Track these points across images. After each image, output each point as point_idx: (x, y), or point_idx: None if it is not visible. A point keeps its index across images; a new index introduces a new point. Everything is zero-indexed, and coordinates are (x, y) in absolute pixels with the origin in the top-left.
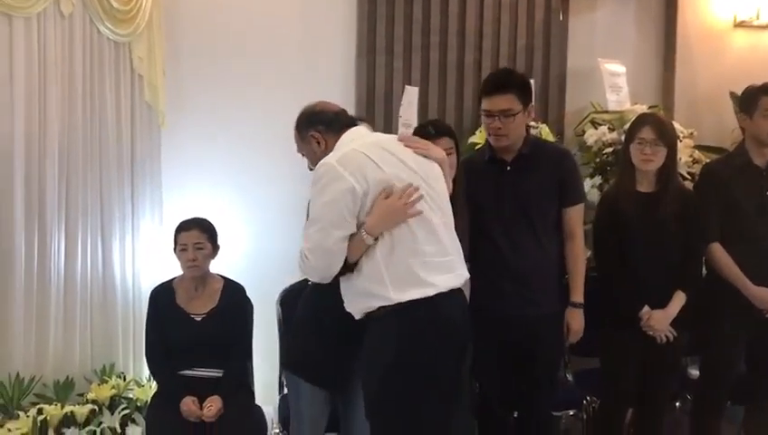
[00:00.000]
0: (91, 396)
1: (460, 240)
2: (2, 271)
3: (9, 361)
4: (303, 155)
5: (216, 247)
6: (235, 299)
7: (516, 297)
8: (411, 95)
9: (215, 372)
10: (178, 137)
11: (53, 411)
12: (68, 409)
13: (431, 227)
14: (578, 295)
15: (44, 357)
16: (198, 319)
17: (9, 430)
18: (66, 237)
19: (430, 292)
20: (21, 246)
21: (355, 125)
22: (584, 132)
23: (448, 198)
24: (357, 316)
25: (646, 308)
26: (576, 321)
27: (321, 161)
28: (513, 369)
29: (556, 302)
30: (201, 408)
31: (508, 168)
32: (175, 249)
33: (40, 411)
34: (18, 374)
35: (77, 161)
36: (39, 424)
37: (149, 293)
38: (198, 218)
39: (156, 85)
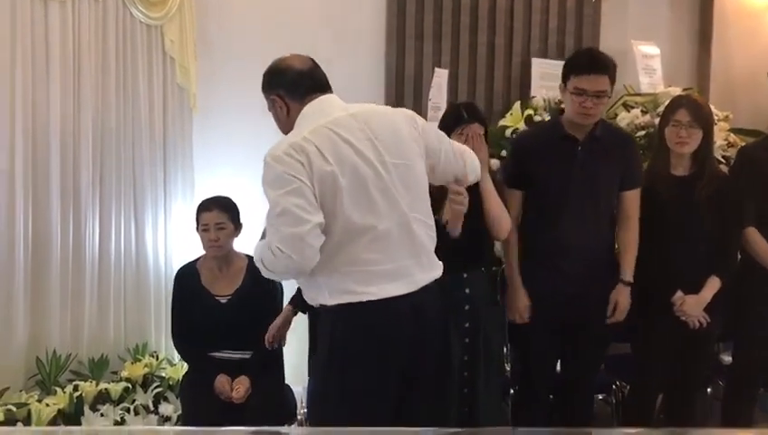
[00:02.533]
0: (124, 374)
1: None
2: (39, 253)
3: (46, 339)
4: (274, 118)
5: (238, 226)
6: (261, 278)
7: (574, 276)
8: (441, 78)
9: (243, 354)
10: (210, 118)
11: (89, 388)
12: (102, 386)
13: (377, 233)
14: (629, 274)
15: (80, 335)
16: (223, 301)
17: (47, 404)
18: (100, 219)
19: (364, 298)
20: (57, 228)
21: (323, 90)
22: (616, 115)
23: (422, 171)
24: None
25: (679, 293)
26: (624, 298)
27: (269, 152)
28: (561, 351)
29: (609, 282)
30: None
31: (579, 147)
32: (197, 229)
33: (76, 388)
34: (55, 352)
35: (110, 143)
36: (75, 400)
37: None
38: (219, 197)
39: (187, 67)
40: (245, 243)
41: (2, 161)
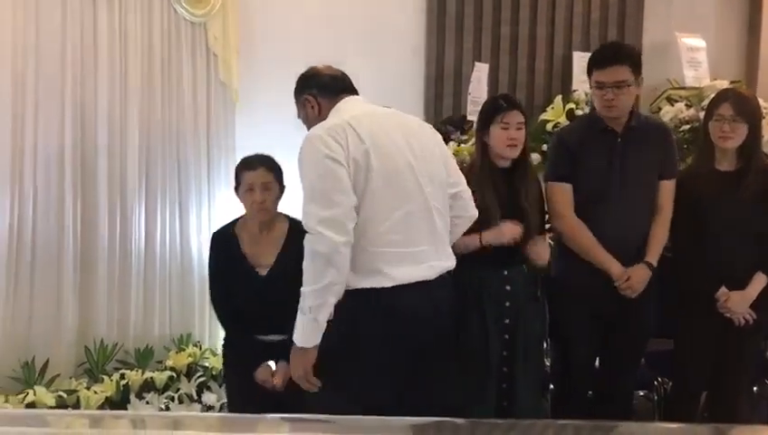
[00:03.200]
0: (169, 363)
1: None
2: (87, 245)
3: (94, 328)
4: (303, 121)
5: (282, 188)
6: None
7: None
8: (481, 72)
9: (285, 336)
10: (251, 113)
11: (135, 377)
12: (148, 375)
13: (402, 214)
14: (652, 258)
15: (126, 326)
16: (263, 273)
17: (95, 392)
18: (146, 212)
19: (387, 283)
20: (104, 222)
21: (353, 92)
22: (660, 109)
23: (444, 171)
24: None
25: (723, 289)
26: (639, 277)
27: (308, 133)
28: (600, 345)
29: (651, 276)
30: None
31: (618, 139)
32: (238, 190)
33: (122, 376)
34: (102, 341)
35: (156, 138)
36: (122, 388)
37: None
38: (263, 155)
39: (230, 63)
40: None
41: (52, 156)
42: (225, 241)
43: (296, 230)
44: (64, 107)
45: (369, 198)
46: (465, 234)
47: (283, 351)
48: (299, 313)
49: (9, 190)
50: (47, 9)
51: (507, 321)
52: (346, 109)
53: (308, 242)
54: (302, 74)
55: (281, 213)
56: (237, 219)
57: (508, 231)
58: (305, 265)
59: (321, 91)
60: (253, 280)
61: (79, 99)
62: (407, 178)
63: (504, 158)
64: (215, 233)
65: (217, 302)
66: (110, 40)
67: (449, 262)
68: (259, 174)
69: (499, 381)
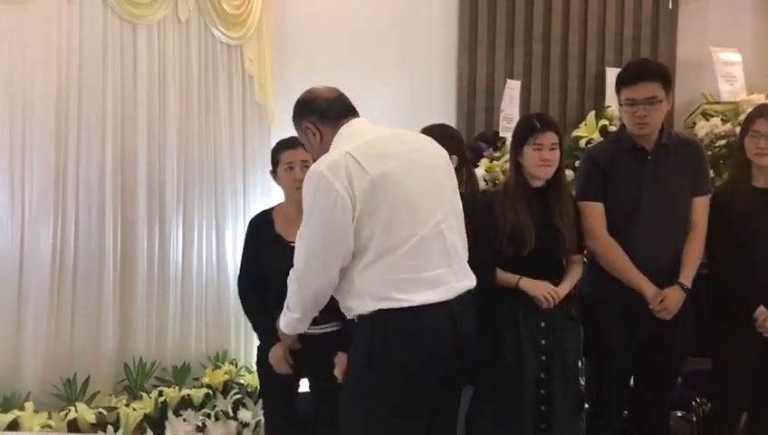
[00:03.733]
0: (205, 381)
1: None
2: (126, 264)
3: (133, 346)
4: (306, 147)
5: None
6: None
7: None
8: (513, 89)
9: (329, 328)
10: (286, 133)
11: (172, 394)
12: (185, 392)
13: (416, 240)
14: (687, 279)
15: (164, 343)
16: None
17: (134, 409)
18: (183, 232)
19: (404, 304)
20: (143, 241)
21: (353, 114)
22: (694, 124)
23: (453, 187)
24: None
25: (761, 309)
26: (674, 299)
27: (311, 168)
28: (635, 364)
29: (686, 294)
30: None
31: (649, 157)
32: (275, 170)
33: (160, 393)
34: (141, 359)
35: (193, 159)
36: (160, 405)
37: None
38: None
39: (265, 85)
40: None
41: (93, 178)
42: (261, 223)
43: None
44: (105, 130)
45: (381, 228)
46: (505, 263)
47: (331, 342)
48: (285, 309)
49: (53, 212)
50: (89, 35)
51: (544, 342)
52: (348, 136)
53: (295, 281)
54: (300, 99)
55: None
56: (275, 206)
57: (545, 294)
58: (289, 292)
59: (320, 117)
60: (286, 253)
61: (119, 121)
62: (417, 203)
63: (538, 178)
64: (252, 218)
65: (244, 286)
66: (150, 63)
67: (469, 281)
68: (298, 153)
69: (537, 403)
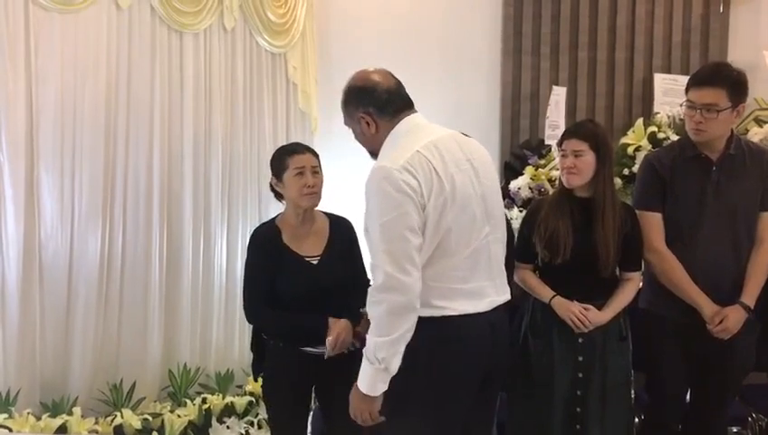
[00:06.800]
0: (248, 388)
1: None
2: (172, 271)
3: (178, 353)
4: (356, 135)
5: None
6: (346, 236)
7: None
8: (558, 96)
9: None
10: (329, 140)
11: (216, 401)
12: (228, 399)
13: (470, 251)
14: (750, 298)
15: (208, 350)
16: (315, 262)
17: (179, 416)
18: (228, 239)
19: (447, 313)
20: (188, 247)
21: (411, 108)
22: (747, 131)
23: (499, 192)
24: None
25: None
26: (734, 320)
27: (378, 164)
28: (692, 379)
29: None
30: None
31: (714, 168)
32: (281, 176)
33: (204, 401)
34: (185, 365)
35: (238, 166)
36: (204, 412)
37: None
38: (304, 144)
39: (309, 93)
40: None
41: (141, 186)
42: (266, 235)
43: (338, 225)
44: (153, 136)
45: (442, 234)
46: (542, 270)
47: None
48: (365, 361)
49: (101, 220)
50: (138, 43)
51: (581, 359)
52: (407, 133)
53: (379, 290)
54: (355, 86)
55: (318, 210)
56: (276, 215)
57: (572, 317)
58: (373, 313)
59: (379, 109)
60: (304, 269)
61: (167, 128)
62: (475, 211)
63: (570, 185)
64: (254, 230)
65: (252, 306)
66: (196, 71)
67: (505, 295)
68: (308, 157)
69: (571, 422)
